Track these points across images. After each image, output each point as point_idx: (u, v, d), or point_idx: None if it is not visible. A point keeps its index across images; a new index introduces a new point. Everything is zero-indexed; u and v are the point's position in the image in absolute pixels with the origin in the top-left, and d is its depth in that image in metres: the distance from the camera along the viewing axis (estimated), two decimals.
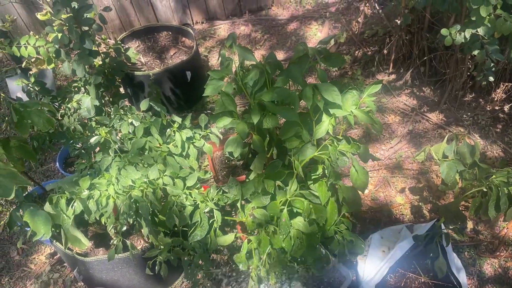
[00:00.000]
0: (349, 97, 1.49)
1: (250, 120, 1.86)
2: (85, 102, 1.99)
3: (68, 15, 2.00)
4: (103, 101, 2.18)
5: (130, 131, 1.67)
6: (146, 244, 2.00)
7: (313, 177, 1.62)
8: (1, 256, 2.59)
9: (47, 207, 1.66)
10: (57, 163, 2.67)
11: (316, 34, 3.92)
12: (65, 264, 2.51)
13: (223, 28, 4.17)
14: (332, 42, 3.38)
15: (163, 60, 3.28)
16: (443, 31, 2.16)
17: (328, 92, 1.44)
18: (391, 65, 3.23)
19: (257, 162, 1.89)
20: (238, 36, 4.02)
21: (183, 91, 3.24)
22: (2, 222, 2.11)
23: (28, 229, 2.08)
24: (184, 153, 1.63)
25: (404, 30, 2.99)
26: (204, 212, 1.47)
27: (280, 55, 3.75)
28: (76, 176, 1.74)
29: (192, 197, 1.49)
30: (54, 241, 2.06)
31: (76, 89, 2.14)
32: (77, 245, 1.81)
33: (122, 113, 1.81)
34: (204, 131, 1.79)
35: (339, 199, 1.57)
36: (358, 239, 1.65)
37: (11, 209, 2.15)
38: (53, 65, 2.33)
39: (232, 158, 2.99)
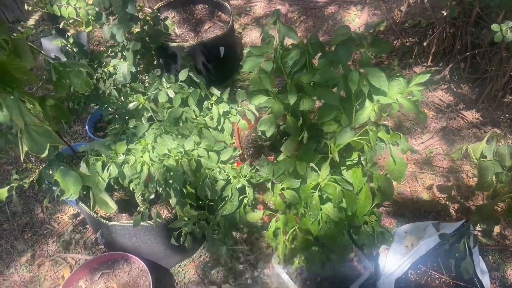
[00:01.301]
0: (395, 84, 1.44)
1: (286, 101, 1.83)
2: (121, 67, 1.98)
3: None
4: (138, 69, 2.16)
5: (166, 100, 1.65)
6: (170, 215, 2.00)
7: (347, 163, 1.58)
8: (26, 213, 2.65)
9: (83, 168, 1.66)
10: (86, 126, 2.69)
11: (354, 19, 3.82)
12: (87, 226, 2.55)
13: (259, 6, 4.10)
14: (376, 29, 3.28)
15: (198, 33, 3.25)
16: (494, 27, 2.06)
17: (375, 77, 1.39)
18: (430, 58, 3.12)
19: (288, 143, 1.86)
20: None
21: (215, 66, 3.21)
22: (29, 179, 2.14)
23: (55, 188, 2.11)
24: (219, 127, 1.61)
25: (448, 23, 2.88)
26: (236, 187, 1.45)
27: None
28: (109, 140, 1.74)
29: (225, 172, 1.47)
30: (80, 202, 2.09)
31: (113, 54, 2.13)
32: (105, 208, 1.82)
33: (159, 81, 1.80)
34: (240, 107, 1.76)
35: (374, 188, 1.53)
36: (387, 231, 1.62)
37: (40, 167, 2.18)
38: (90, 27, 2.32)
39: (258, 139, 2.97)
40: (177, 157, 1.41)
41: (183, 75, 1.72)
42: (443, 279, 2.00)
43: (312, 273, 2.04)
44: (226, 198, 1.46)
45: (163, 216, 2.01)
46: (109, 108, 1.81)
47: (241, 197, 1.50)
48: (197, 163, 1.48)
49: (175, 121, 1.57)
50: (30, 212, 2.66)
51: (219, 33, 3.13)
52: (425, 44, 3.13)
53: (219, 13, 3.41)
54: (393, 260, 2.03)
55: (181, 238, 1.68)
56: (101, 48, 3.67)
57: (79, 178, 1.72)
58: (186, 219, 1.68)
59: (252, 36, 3.75)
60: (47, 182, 2.02)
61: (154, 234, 2.04)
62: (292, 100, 1.75)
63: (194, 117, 1.62)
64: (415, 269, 2.05)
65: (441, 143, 2.79)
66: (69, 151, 2.43)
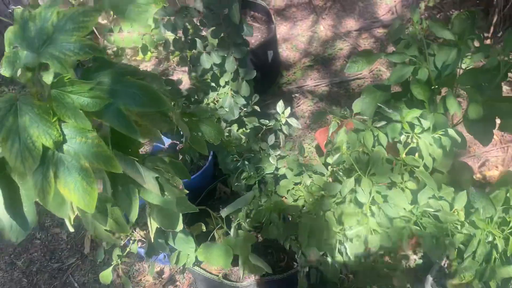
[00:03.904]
0: None
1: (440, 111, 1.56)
2: (225, 101, 1.62)
3: None
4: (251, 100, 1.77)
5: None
6: None
7: None
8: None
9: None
10: None
11: None
12: (177, 283, 2.20)
13: None
14: (422, 7, 3.03)
15: None
16: None
17: None
18: (492, 29, 2.91)
19: None
20: (297, 4, 3.62)
21: (264, 73, 2.86)
22: (127, 250, 1.75)
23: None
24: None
25: None
26: (487, 241, 1.16)
27: (351, 24, 3.39)
28: (251, 195, 1.41)
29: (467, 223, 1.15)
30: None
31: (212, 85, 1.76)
32: (256, 272, 1.50)
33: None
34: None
35: None
36: None
37: (137, 233, 1.82)
38: (149, 54, 1.95)
39: None
40: (411, 219, 1.11)
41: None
42: None
43: None
44: (465, 256, 1.18)
45: None
46: (234, 155, 1.47)
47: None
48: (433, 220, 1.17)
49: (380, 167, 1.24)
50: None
51: (263, 36, 2.79)
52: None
53: (252, 12, 3.05)
54: None
55: None
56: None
57: (230, 250, 1.40)
58: None
59: (281, 32, 3.41)
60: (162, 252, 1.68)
61: None
62: (453, 108, 1.48)
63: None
64: None
65: None
66: None
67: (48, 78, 0.91)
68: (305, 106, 2.91)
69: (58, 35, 0.86)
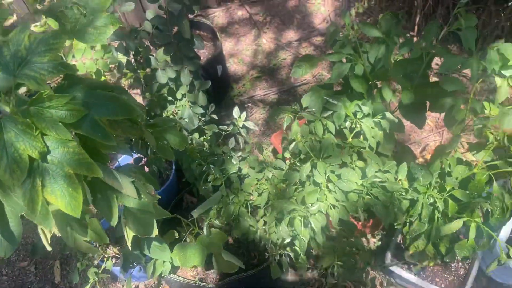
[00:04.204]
0: None
1: (378, 100, 1.75)
2: (184, 112, 1.73)
3: None
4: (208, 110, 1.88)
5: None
6: None
7: None
8: None
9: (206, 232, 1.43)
10: None
11: (319, 8, 3.81)
12: None
13: (218, 16, 3.92)
14: (353, 13, 3.30)
15: None
16: None
17: (509, 51, 1.36)
18: (416, 28, 3.22)
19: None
20: (238, 21, 3.81)
21: (214, 86, 2.99)
22: (103, 267, 1.77)
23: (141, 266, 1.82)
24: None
25: None
26: (428, 203, 1.33)
27: (291, 35, 3.61)
28: (218, 195, 1.52)
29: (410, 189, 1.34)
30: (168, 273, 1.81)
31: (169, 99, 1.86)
32: (230, 269, 1.59)
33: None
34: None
35: None
36: None
37: (109, 249, 1.85)
38: (103, 78, 2.02)
39: None
40: (362, 191, 1.26)
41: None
42: None
43: None
44: (413, 220, 1.34)
45: None
46: (199, 161, 1.57)
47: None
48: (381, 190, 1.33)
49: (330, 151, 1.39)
50: None
51: (211, 53, 2.93)
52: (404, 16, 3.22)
53: (198, 31, 3.18)
54: None
55: None
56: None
57: (204, 248, 1.49)
58: None
59: (227, 48, 3.57)
60: (136, 264, 1.73)
61: None
62: (388, 96, 1.67)
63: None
64: None
65: None
66: None
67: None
68: (258, 114, 3.06)
69: (32, 57, 0.94)
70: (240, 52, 3.53)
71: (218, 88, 3.02)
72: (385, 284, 2.13)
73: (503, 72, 1.42)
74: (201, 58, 2.92)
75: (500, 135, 1.40)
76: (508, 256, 1.31)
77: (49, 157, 0.92)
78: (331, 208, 1.29)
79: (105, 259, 1.89)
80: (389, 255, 1.99)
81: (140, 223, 1.40)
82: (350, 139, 1.46)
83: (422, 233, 1.36)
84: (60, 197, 0.94)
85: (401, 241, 2.08)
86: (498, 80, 1.44)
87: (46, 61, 0.95)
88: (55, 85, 1.04)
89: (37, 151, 0.89)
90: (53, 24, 1.73)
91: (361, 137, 1.48)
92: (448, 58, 1.43)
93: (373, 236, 2.33)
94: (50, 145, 0.92)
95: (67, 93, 1.00)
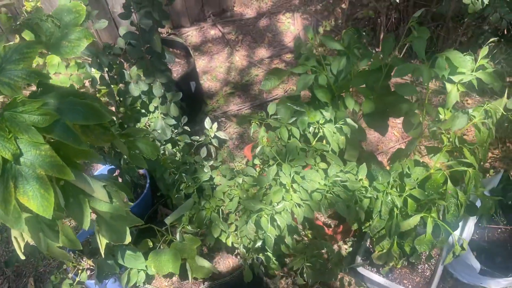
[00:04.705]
0: (469, 62, 1.54)
1: (341, 109, 1.84)
2: (157, 124, 1.78)
3: None
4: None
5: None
6: None
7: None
8: None
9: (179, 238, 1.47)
10: None
11: (289, 27, 3.96)
12: None
13: (191, 35, 4.02)
14: (321, 31, 3.45)
15: None
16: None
17: (457, 59, 1.48)
18: (380, 44, 3.39)
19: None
20: (211, 40, 3.91)
21: (188, 103, 3.06)
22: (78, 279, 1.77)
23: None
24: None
25: (392, 9, 3.16)
26: (388, 200, 1.41)
27: (262, 53, 3.73)
28: (191, 202, 1.57)
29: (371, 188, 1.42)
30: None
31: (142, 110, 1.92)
32: (202, 274, 1.63)
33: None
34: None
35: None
36: None
37: (81, 260, 1.86)
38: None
39: None
40: (325, 190, 1.32)
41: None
42: (502, 229, 2.18)
43: None
44: (374, 217, 1.42)
45: None
46: (172, 170, 1.62)
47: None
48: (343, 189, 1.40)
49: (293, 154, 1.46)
50: None
51: (184, 70, 3.00)
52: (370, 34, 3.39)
53: (171, 49, 3.26)
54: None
55: None
56: None
57: (177, 254, 1.53)
58: None
59: (201, 66, 3.66)
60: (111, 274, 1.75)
61: None
62: (351, 105, 1.77)
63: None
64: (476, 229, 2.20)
65: None
66: None
67: None
68: (232, 129, 3.13)
69: (6, 65, 0.99)
70: (213, 69, 3.63)
71: (192, 104, 3.10)
72: (354, 286, 2.20)
73: (452, 78, 1.54)
74: (175, 74, 3.00)
75: (452, 137, 1.51)
76: (462, 248, 1.40)
77: (21, 159, 0.96)
78: (296, 207, 1.37)
79: (79, 271, 1.90)
80: (359, 258, 2.06)
81: (113, 230, 1.43)
82: (313, 143, 1.54)
83: (383, 228, 1.44)
84: (32, 198, 0.98)
85: (370, 246, 2.16)
86: (448, 86, 1.56)
87: (20, 68, 1.00)
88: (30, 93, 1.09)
89: (10, 153, 0.93)
90: (28, 37, 1.77)
91: (324, 141, 1.56)
92: (401, 66, 1.54)
93: (345, 243, 2.40)
94: (23, 147, 0.97)
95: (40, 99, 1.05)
